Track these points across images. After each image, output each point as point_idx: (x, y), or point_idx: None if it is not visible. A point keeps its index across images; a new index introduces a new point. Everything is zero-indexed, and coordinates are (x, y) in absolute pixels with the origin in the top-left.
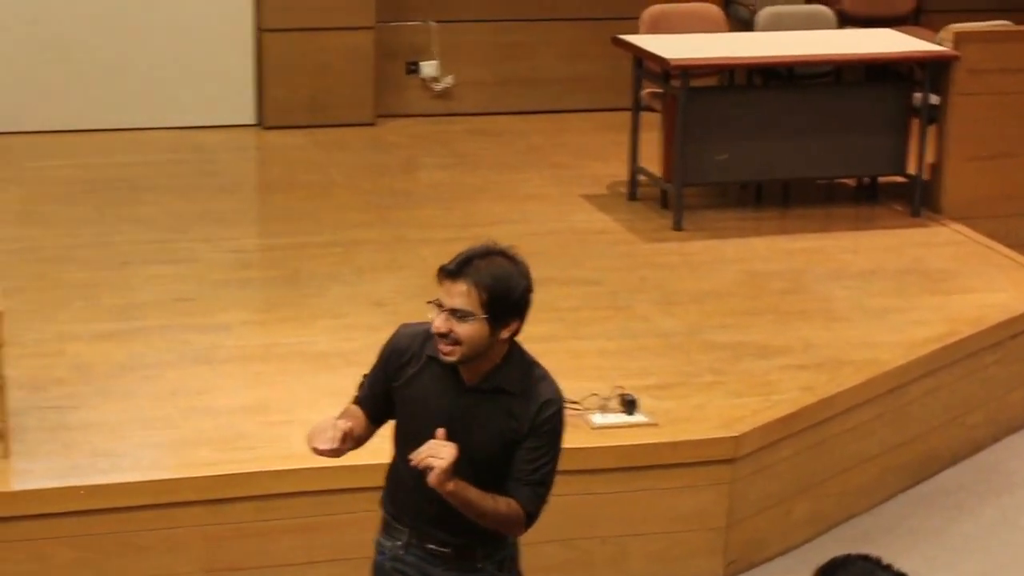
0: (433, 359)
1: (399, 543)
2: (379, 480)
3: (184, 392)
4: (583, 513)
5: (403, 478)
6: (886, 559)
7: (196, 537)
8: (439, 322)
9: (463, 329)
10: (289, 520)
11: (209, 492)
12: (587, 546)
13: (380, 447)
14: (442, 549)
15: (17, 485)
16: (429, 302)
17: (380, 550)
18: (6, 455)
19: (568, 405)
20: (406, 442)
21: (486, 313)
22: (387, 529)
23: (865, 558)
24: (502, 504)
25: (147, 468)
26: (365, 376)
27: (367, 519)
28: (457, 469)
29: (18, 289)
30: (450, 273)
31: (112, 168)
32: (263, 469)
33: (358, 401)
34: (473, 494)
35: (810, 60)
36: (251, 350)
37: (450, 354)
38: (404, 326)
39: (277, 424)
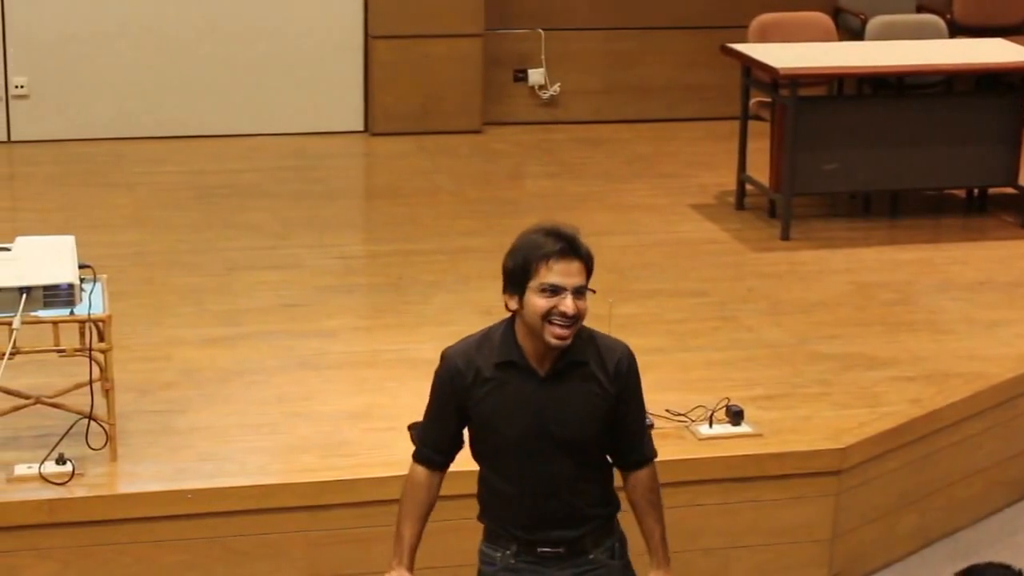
0: (500, 368)
1: (509, 552)
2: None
3: (289, 398)
4: (687, 525)
5: (501, 489)
6: None
7: (298, 543)
8: (570, 304)
9: (583, 305)
10: (390, 527)
11: (312, 498)
12: (689, 558)
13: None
14: (555, 550)
15: (123, 488)
16: (542, 288)
17: (488, 560)
18: (113, 458)
19: (674, 417)
20: (497, 455)
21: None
22: (493, 539)
23: (1004, 566)
24: (658, 495)
25: (251, 473)
26: (414, 427)
27: (466, 526)
28: (560, 471)
29: (127, 293)
30: (572, 252)
31: (221, 174)
32: (365, 476)
33: (424, 459)
34: (661, 532)
35: (920, 70)
36: (356, 356)
37: (568, 337)
38: (447, 352)
39: (380, 431)
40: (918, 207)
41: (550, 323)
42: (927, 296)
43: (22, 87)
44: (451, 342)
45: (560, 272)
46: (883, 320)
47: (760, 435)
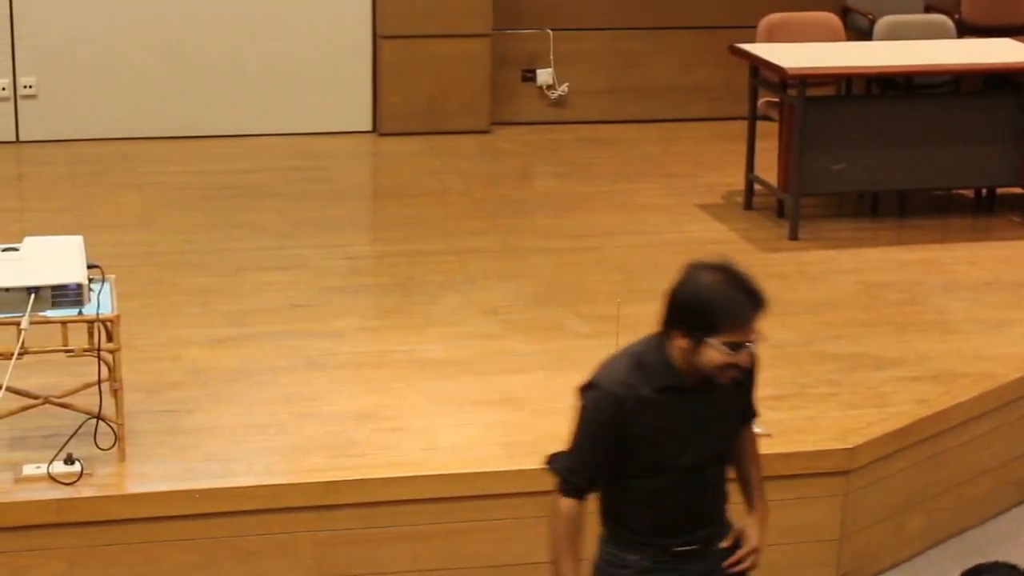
0: (661, 391)
1: (644, 555)
2: (487, 488)
3: (297, 398)
4: None
5: (651, 500)
6: None
7: (306, 542)
8: (748, 358)
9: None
10: (398, 527)
11: (320, 498)
12: None
13: (489, 454)
14: (690, 548)
15: (132, 488)
16: (725, 344)
17: (620, 563)
18: (122, 458)
19: None
20: (653, 470)
21: None
22: (625, 543)
23: (1010, 566)
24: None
25: (259, 473)
26: (556, 459)
27: (476, 528)
28: (712, 476)
29: (135, 294)
30: (762, 311)
31: (228, 174)
32: (373, 476)
33: (574, 491)
34: (761, 479)
35: (928, 70)
36: (363, 357)
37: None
38: (601, 384)
39: (388, 431)
40: (926, 207)
41: (723, 370)
42: (934, 296)
43: (31, 87)
44: (459, 343)
45: (748, 333)
46: (890, 320)
47: (768, 435)
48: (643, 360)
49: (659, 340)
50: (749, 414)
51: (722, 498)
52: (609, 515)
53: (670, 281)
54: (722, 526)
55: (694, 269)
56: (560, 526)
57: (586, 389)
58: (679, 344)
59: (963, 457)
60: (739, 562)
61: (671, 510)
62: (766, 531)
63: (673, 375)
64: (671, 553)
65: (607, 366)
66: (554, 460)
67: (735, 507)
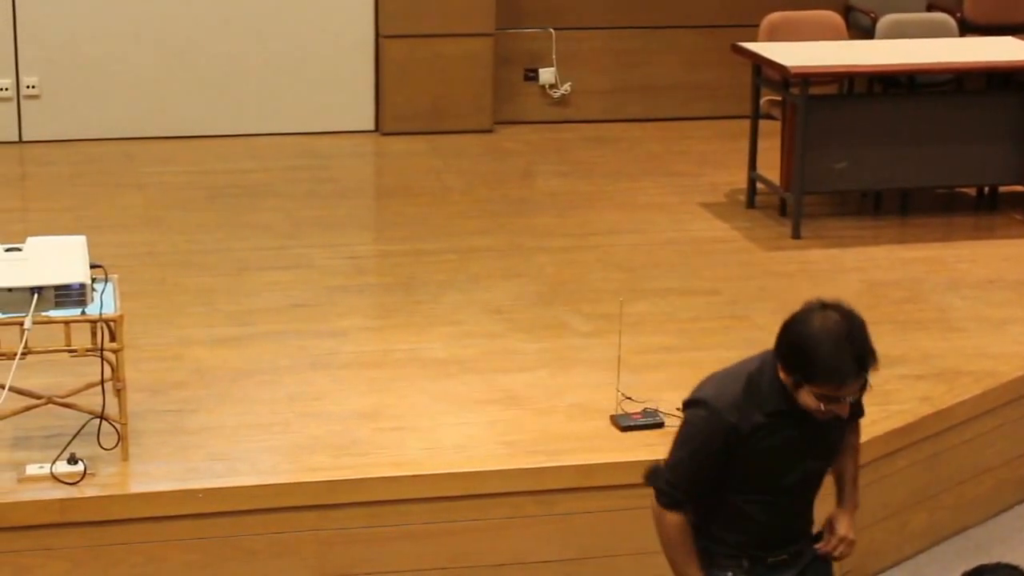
0: (772, 415)
1: (740, 568)
2: (489, 487)
3: (300, 397)
4: None
5: (752, 517)
6: None
7: (309, 542)
8: (846, 409)
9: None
10: (400, 527)
11: (322, 497)
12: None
13: (491, 453)
14: (781, 558)
15: (135, 487)
16: (829, 397)
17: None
18: (125, 458)
19: None
20: (758, 490)
21: None
22: (721, 561)
23: (1012, 567)
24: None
25: (262, 472)
26: (656, 474)
27: (478, 527)
28: (812, 493)
29: (138, 293)
30: (864, 374)
31: (231, 174)
32: (376, 475)
33: (678, 505)
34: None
35: (931, 68)
36: (367, 356)
37: None
38: (713, 404)
39: (391, 430)
40: (928, 205)
41: (818, 412)
42: (937, 294)
43: (34, 87)
44: (462, 342)
45: (846, 391)
46: (893, 318)
47: None
48: (756, 381)
49: (772, 361)
50: (857, 413)
51: (812, 513)
52: (709, 533)
53: (673, 280)
54: (810, 538)
55: (812, 310)
56: (674, 536)
57: (695, 406)
58: (782, 376)
59: (966, 455)
60: (830, 550)
61: (772, 526)
62: (854, 522)
63: (784, 400)
64: (766, 564)
65: (719, 385)
66: (655, 474)
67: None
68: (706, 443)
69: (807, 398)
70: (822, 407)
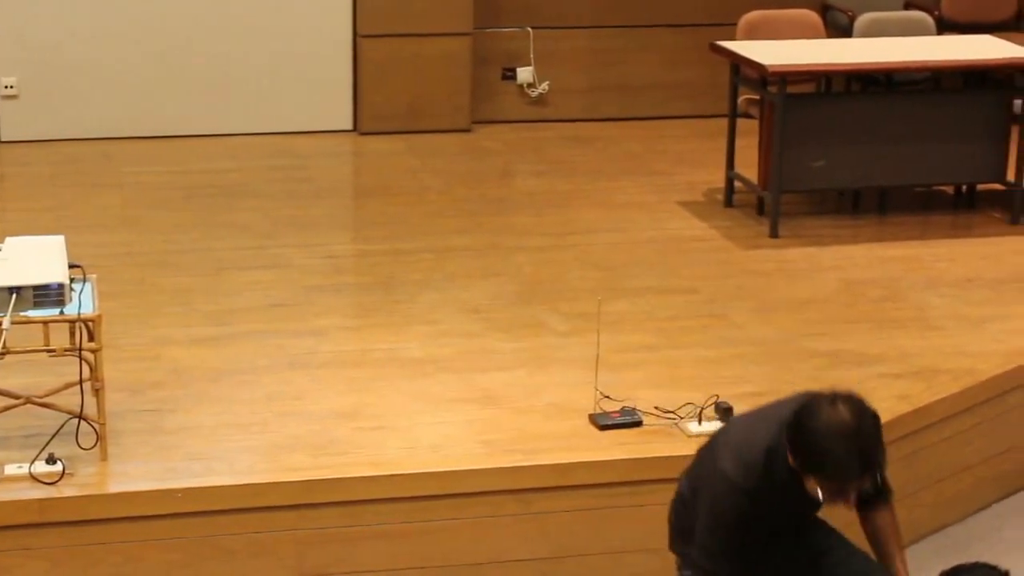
0: (788, 482)
1: None
2: (467, 486)
3: (278, 397)
4: None
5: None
6: None
7: (287, 541)
8: (853, 501)
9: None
10: (379, 526)
11: (301, 497)
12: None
13: (469, 452)
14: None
15: (113, 487)
16: (832, 490)
17: None
18: (104, 457)
19: (663, 414)
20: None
21: None
22: None
23: (990, 567)
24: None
25: (241, 472)
26: (695, 553)
27: (456, 526)
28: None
29: (117, 293)
30: (868, 475)
31: (209, 174)
32: (354, 475)
33: None
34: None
35: (909, 67)
36: (345, 356)
37: None
38: (743, 486)
39: (369, 430)
40: (906, 204)
41: (825, 499)
42: (915, 293)
43: (11, 87)
44: (440, 341)
45: (849, 489)
46: (871, 317)
47: None
48: (774, 463)
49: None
50: (883, 493)
51: None
52: None
53: (651, 279)
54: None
55: (825, 403)
56: None
57: (723, 484)
58: (790, 459)
59: (944, 453)
60: None
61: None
62: None
63: (797, 479)
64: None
65: (743, 462)
66: (690, 559)
67: None
68: (741, 525)
69: (813, 486)
70: (826, 499)
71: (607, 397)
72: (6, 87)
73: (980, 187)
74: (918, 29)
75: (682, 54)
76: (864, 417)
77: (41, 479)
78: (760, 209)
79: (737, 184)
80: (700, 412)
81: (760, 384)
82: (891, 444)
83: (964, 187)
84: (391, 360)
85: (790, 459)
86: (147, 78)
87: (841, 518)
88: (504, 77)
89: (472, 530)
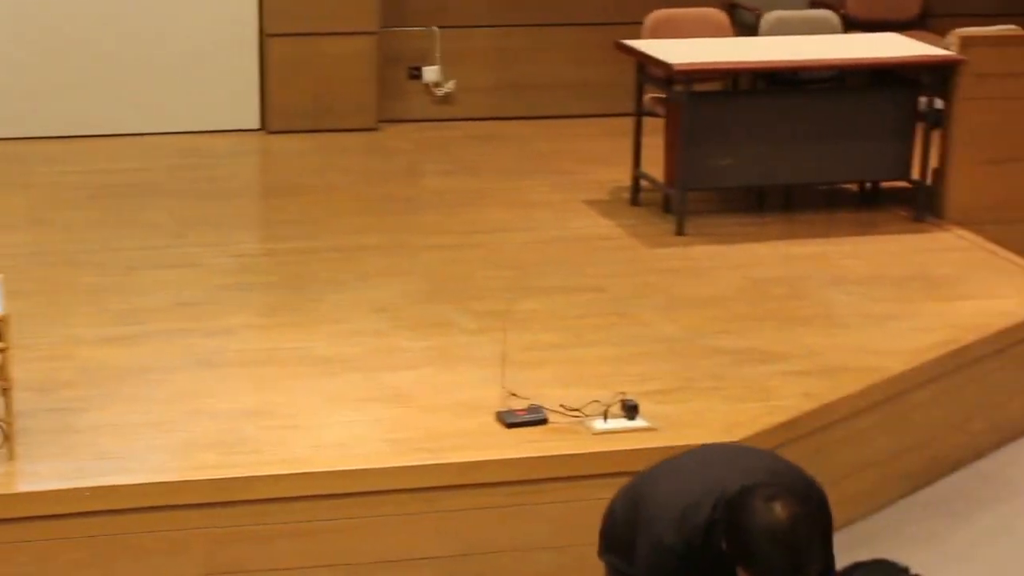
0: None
1: None
2: (374, 484)
3: (188, 396)
4: (581, 519)
5: None
6: None
7: (198, 540)
8: None
9: None
10: (287, 524)
11: (211, 495)
12: (581, 552)
13: (376, 451)
14: None
15: (22, 487)
16: None
17: None
18: (12, 457)
19: (569, 412)
20: None
21: None
22: None
23: (890, 564)
24: None
25: (151, 471)
26: None
27: (364, 524)
28: None
29: (26, 293)
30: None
31: (118, 173)
32: (263, 473)
33: None
34: None
35: (815, 65)
36: (254, 354)
37: None
38: (679, 552)
39: (279, 428)
40: (812, 202)
41: None
42: (820, 290)
43: None
44: (349, 340)
45: None
46: (777, 315)
47: (655, 429)
48: (714, 531)
49: (713, 505)
50: None
51: None
52: None
53: (558, 277)
54: None
55: (761, 499)
56: None
57: (662, 551)
58: (723, 543)
59: (848, 451)
60: None
61: None
62: None
63: (711, 546)
64: None
65: (685, 531)
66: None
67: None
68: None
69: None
70: None
71: (514, 395)
72: None
73: (885, 185)
74: (824, 27)
75: (588, 53)
76: (799, 519)
77: None
78: (666, 207)
79: (643, 182)
80: (606, 410)
81: (665, 381)
82: (796, 441)
83: (869, 185)
84: (300, 359)
85: (722, 540)
86: (52, 78)
87: None
88: (411, 76)
89: (380, 528)
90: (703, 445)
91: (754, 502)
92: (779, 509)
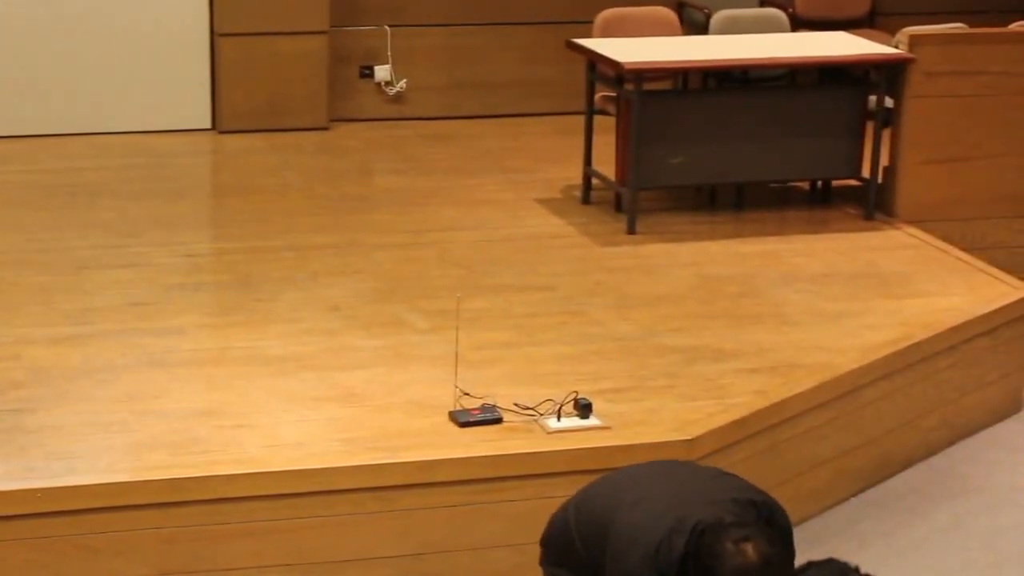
0: None
1: None
2: (328, 483)
3: (139, 396)
4: (536, 518)
5: None
6: None
7: (149, 540)
8: None
9: None
10: (241, 524)
11: (162, 495)
12: (539, 551)
13: (329, 450)
14: None
15: None
16: None
17: None
18: None
19: (523, 411)
20: None
21: None
22: None
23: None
24: None
25: (102, 471)
26: None
27: (319, 524)
28: None
29: None
30: None
31: (68, 173)
32: (215, 473)
33: None
34: None
35: (764, 63)
36: (205, 354)
37: None
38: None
39: (230, 428)
40: (763, 200)
41: None
42: (772, 288)
43: None
44: (300, 339)
45: None
46: (729, 313)
47: (608, 428)
48: (688, 565)
49: (684, 539)
50: None
51: None
52: None
53: (509, 276)
54: None
55: (736, 541)
56: None
57: None
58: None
59: (801, 448)
60: None
61: None
62: None
63: None
64: None
65: (657, 566)
66: None
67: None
68: None
69: None
70: None
71: (467, 394)
72: None
73: (835, 183)
74: (773, 26)
75: (540, 51)
76: (770, 561)
77: None
78: (618, 206)
79: (595, 181)
80: (559, 408)
81: (619, 380)
82: (749, 439)
83: (820, 183)
84: (251, 358)
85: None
86: (2, 77)
87: None
88: (362, 75)
89: (335, 528)
90: (661, 462)
91: (725, 544)
92: (750, 552)
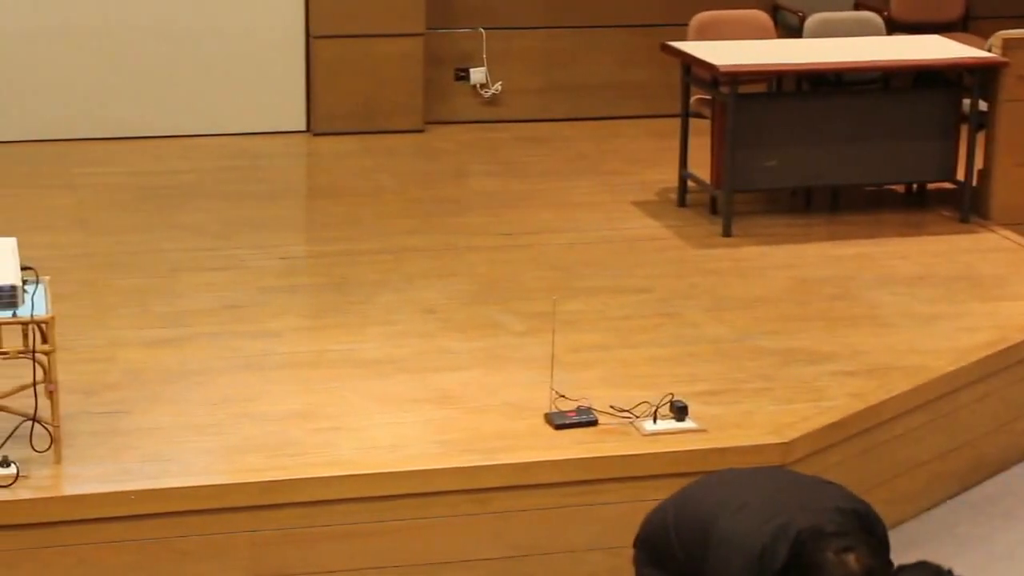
0: None
1: None
2: (423, 485)
3: (234, 398)
4: (631, 521)
5: None
6: None
7: (243, 543)
8: None
9: None
10: (335, 527)
11: (257, 498)
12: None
13: (425, 452)
14: None
15: (68, 490)
16: None
17: None
18: (58, 460)
19: (619, 413)
20: None
21: None
22: None
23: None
24: None
25: (196, 474)
26: None
27: (414, 526)
28: None
29: (70, 295)
30: None
31: (163, 175)
32: (310, 476)
33: None
34: None
35: (859, 67)
36: (301, 357)
37: None
38: None
39: (325, 431)
40: (858, 203)
41: None
42: (867, 291)
43: None
44: (396, 342)
45: None
46: (824, 315)
47: (704, 430)
48: (768, 558)
49: (787, 544)
50: None
51: None
52: None
53: (605, 278)
54: None
55: (839, 551)
56: None
57: None
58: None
59: (897, 450)
60: None
61: None
62: None
63: None
64: None
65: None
66: None
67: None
68: None
69: None
70: None
71: (563, 396)
72: None
73: (930, 186)
74: (868, 29)
75: (634, 54)
76: (873, 572)
77: None
78: (713, 208)
79: (690, 183)
80: (655, 411)
81: (714, 382)
82: (845, 442)
83: (914, 186)
84: (347, 361)
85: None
86: (99, 79)
87: None
88: (457, 78)
89: (430, 530)
90: (762, 468)
91: (827, 554)
92: (852, 562)
